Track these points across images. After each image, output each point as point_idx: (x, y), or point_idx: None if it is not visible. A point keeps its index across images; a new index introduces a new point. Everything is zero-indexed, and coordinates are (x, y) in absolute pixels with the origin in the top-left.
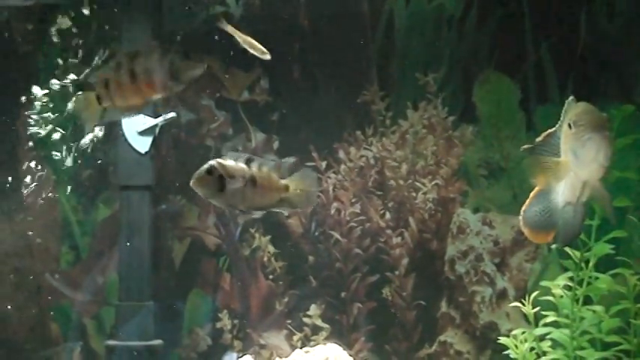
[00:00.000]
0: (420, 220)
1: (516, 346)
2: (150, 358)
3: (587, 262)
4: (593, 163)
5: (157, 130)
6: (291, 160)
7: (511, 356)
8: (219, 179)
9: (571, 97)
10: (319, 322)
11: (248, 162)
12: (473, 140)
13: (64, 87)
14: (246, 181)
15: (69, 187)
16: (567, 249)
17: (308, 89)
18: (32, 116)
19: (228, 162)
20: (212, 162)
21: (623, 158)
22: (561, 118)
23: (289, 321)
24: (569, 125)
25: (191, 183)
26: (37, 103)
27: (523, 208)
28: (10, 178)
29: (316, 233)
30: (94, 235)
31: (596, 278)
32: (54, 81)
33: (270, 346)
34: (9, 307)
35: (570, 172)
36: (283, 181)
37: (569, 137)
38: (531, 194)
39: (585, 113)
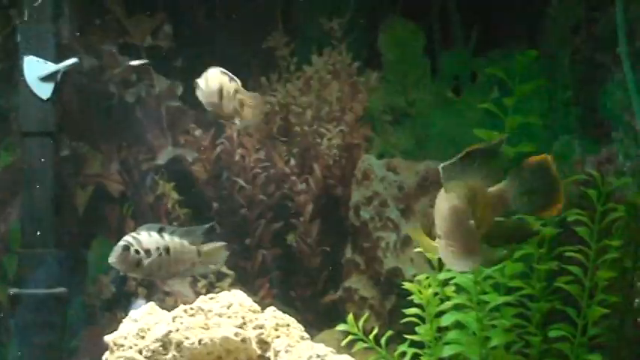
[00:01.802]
0: (325, 167)
1: (420, 291)
2: (54, 305)
3: None
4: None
5: (59, 76)
6: (200, 227)
7: (415, 301)
8: (135, 254)
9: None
10: (224, 269)
11: (160, 232)
12: (377, 86)
13: None
14: (161, 252)
15: None
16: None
17: (212, 35)
18: None
19: (142, 236)
20: (127, 238)
21: (527, 104)
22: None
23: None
24: (439, 235)
25: (109, 260)
26: None
27: None
28: None
29: (221, 180)
30: None
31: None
32: None
33: (175, 293)
34: None
35: None
36: (194, 247)
37: (439, 244)
38: None
39: (455, 233)
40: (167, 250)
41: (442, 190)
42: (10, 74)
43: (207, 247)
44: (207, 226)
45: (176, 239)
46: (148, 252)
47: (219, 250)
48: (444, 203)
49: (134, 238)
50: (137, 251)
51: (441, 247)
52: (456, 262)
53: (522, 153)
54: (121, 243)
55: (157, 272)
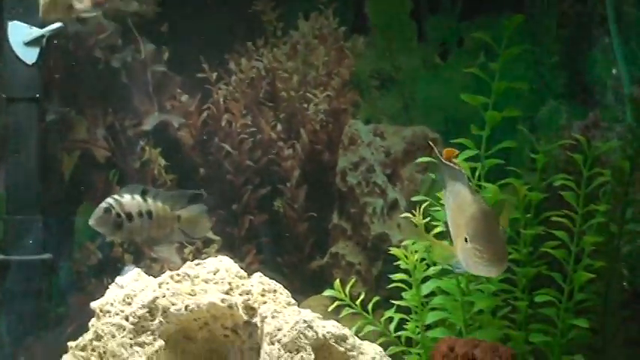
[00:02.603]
0: (312, 132)
1: (407, 257)
2: (40, 272)
3: (475, 171)
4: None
5: (44, 40)
6: (185, 192)
7: (402, 267)
8: (116, 217)
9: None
10: (210, 235)
11: (143, 194)
12: (364, 51)
13: None
14: (143, 215)
15: None
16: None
17: None
18: None
19: (125, 198)
20: (109, 200)
21: (513, 68)
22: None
23: None
24: (466, 239)
25: (90, 222)
26: None
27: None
28: None
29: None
30: None
31: (485, 188)
32: None
33: (161, 259)
34: None
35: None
36: (176, 212)
37: (465, 249)
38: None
39: (486, 237)
40: (149, 213)
41: (467, 193)
42: None
43: (186, 212)
44: (192, 192)
45: (159, 203)
46: (129, 215)
47: (199, 217)
48: (472, 206)
49: (116, 200)
50: (118, 214)
51: (465, 252)
52: (483, 267)
53: (508, 118)
54: (103, 205)
55: (138, 236)
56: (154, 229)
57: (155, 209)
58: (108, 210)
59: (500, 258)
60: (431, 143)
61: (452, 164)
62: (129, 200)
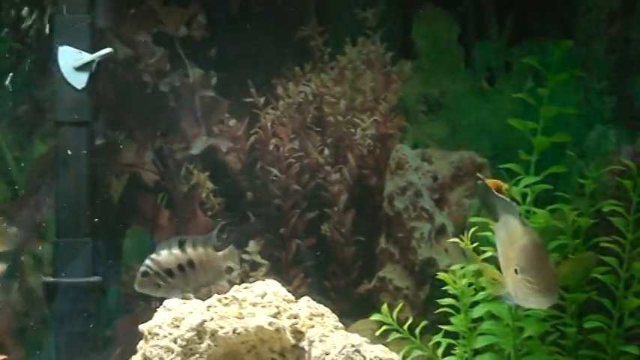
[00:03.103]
0: (359, 156)
1: (455, 282)
2: (88, 294)
3: (524, 196)
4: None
5: (94, 65)
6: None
7: (449, 292)
8: (156, 277)
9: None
10: (258, 259)
11: (181, 245)
12: (411, 76)
13: None
14: (184, 267)
15: (5, 123)
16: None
17: (246, 24)
18: None
19: (162, 255)
20: (146, 262)
21: (562, 93)
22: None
23: None
24: (516, 270)
25: (135, 287)
26: None
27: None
28: None
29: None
30: (31, 172)
31: (534, 213)
32: None
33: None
34: None
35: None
36: (221, 252)
37: (515, 280)
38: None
39: (536, 268)
40: (191, 263)
41: (518, 225)
42: (45, 64)
43: (228, 250)
44: (216, 229)
45: (200, 249)
46: (169, 272)
47: (234, 252)
48: (523, 237)
49: (153, 260)
50: (157, 273)
51: (516, 283)
52: (533, 299)
53: (556, 143)
54: (141, 269)
55: (186, 287)
56: (200, 276)
57: (196, 257)
58: (145, 273)
59: (551, 289)
60: (480, 175)
61: (503, 196)
62: (166, 256)
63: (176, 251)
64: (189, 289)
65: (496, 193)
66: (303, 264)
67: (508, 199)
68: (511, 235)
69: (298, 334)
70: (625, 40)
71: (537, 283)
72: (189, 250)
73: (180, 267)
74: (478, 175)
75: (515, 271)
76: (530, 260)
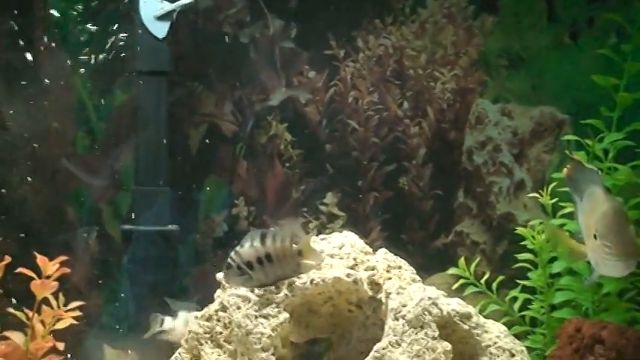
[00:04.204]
0: (438, 110)
1: (533, 237)
2: (166, 243)
3: (606, 153)
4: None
5: (175, 15)
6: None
7: (528, 247)
8: (238, 270)
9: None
10: (335, 211)
11: (262, 238)
12: (493, 30)
13: None
14: (263, 261)
15: (85, 72)
16: (580, 140)
17: None
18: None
19: (244, 248)
20: (231, 254)
21: None
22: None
23: (305, 209)
24: (595, 236)
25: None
26: None
27: None
28: (26, 62)
29: (334, 122)
30: (110, 121)
31: (615, 169)
32: None
33: None
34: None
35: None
36: (296, 247)
37: (594, 247)
38: None
39: (615, 232)
40: (268, 257)
41: (600, 192)
42: (127, 13)
43: (305, 243)
44: (302, 221)
45: (277, 243)
46: (249, 264)
47: (312, 250)
48: (604, 204)
49: (236, 252)
50: (239, 266)
51: (594, 249)
52: (611, 265)
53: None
54: (226, 261)
55: (265, 280)
56: (278, 269)
57: (273, 251)
58: (229, 266)
59: (629, 255)
60: (568, 152)
61: (590, 166)
62: (247, 249)
63: (257, 244)
64: (267, 282)
65: (585, 164)
66: (380, 217)
67: (595, 169)
68: (593, 204)
69: (375, 285)
70: None
71: (615, 248)
72: (268, 243)
73: (259, 260)
74: (567, 152)
75: (595, 237)
76: (610, 225)
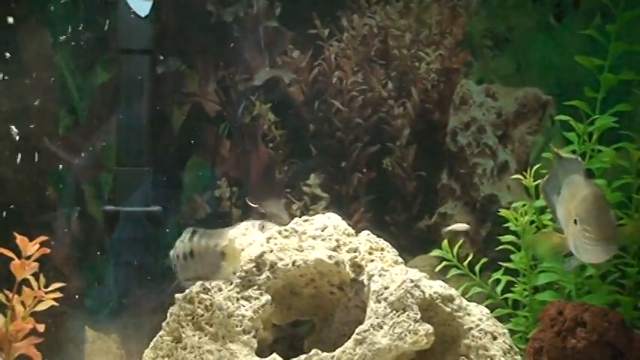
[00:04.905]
0: (423, 91)
1: (516, 219)
2: (148, 224)
3: (590, 135)
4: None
5: None
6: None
7: (511, 228)
8: (175, 258)
9: (578, 158)
10: (318, 192)
11: (192, 235)
12: (478, 10)
13: None
14: (187, 255)
15: (67, 50)
16: (571, 121)
17: None
18: None
19: (178, 241)
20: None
21: (630, 31)
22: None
23: (289, 190)
24: (575, 221)
25: None
26: None
27: None
28: (8, 41)
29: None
30: (93, 99)
31: (599, 151)
32: None
33: (269, 214)
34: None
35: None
36: (219, 248)
37: (574, 232)
38: None
39: (595, 217)
40: (192, 253)
41: (580, 179)
42: None
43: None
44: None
45: (202, 242)
46: (178, 257)
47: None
48: (584, 189)
49: (176, 243)
50: (175, 256)
51: (574, 235)
52: (591, 250)
53: (623, 81)
54: None
55: (186, 275)
56: (198, 267)
57: (197, 248)
58: (172, 254)
59: (609, 239)
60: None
61: (569, 155)
62: (179, 243)
63: (186, 240)
64: (188, 277)
65: (563, 154)
66: (363, 198)
67: (575, 156)
68: (573, 191)
69: (358, 267)
70: None
71: (595, 232)
72: (194, 240)
73: (185, 255)
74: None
75: (575, 222)
76: (590, 210)
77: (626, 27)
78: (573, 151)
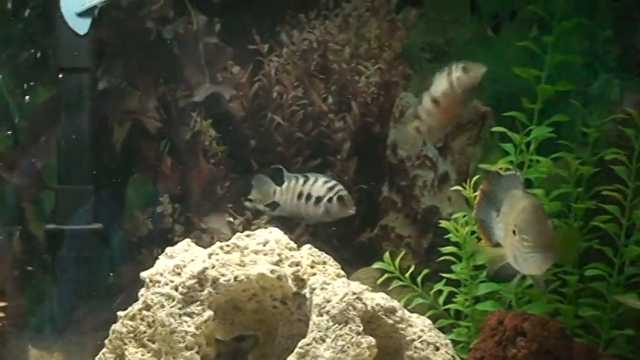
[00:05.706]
0: (363, 104)
1: (457, 230)
2: (90, 241)
3: (528, 145)
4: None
5: (97, 11)
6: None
7: (452, 239)
8: None
9: (517, 172)
10: (260, 207)
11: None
12: (416, 23)
13: None
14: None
15: (7, 69)
16: (508, 132)
17: None
18: None
19: None
20: None
21: (567, 42)
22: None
23: (230, 205)
24: (514, 231)
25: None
26: None
27: None
28: None
29: (258, 117)
30: (33, 119)
31: (537, 161)
32: None
33: (212, 230)
34: None
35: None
36: None
37: (513, 243)
38: None
39: (533, 226)
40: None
41: (519, 192)
42: (47, 10)
43: None
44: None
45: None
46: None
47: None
48: (522, 201)
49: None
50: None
51: (513, 245)
52: (530, 259)
53: (560, 91)
54: None
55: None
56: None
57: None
58: None
59: (547, 247)
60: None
61: (507, 172)
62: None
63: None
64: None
65: (501, 172)
66: None
67: (513, 172)
68: (512, 204)
69: (300, 281)
70: None
71: (533, 241)
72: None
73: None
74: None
75: (514, 232)
76: (528, 220)
77: (562, 38)
78: (510, 162)
